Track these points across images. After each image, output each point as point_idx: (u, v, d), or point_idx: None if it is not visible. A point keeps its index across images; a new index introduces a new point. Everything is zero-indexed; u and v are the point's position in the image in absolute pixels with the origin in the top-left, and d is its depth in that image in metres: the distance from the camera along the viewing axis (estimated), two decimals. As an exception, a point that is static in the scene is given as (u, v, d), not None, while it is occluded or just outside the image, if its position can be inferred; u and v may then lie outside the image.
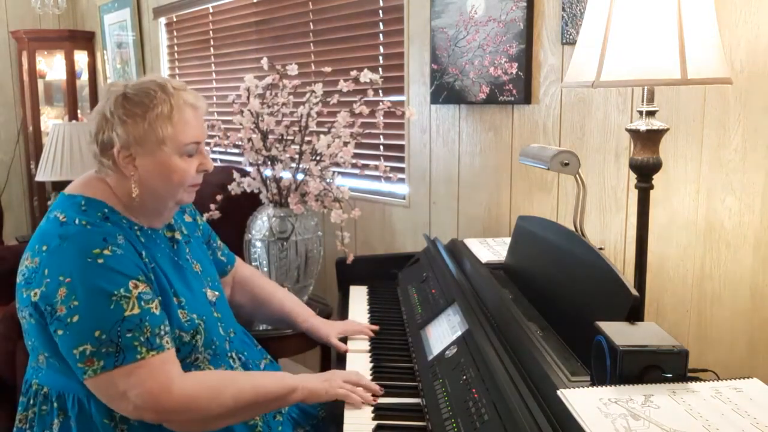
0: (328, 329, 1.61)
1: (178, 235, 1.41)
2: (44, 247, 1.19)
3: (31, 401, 1.28)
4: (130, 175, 1.26)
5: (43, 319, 1.17)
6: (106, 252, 1.17)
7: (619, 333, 0.98)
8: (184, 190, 1.31)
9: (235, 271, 1.66)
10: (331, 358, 1.71)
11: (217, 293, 1.44)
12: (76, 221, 1.21)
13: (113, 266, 1.17)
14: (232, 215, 2.25)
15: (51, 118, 5.04)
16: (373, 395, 1.28)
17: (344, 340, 1.60)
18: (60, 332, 1.15)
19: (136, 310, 1.16)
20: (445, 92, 2.25)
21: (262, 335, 2.10)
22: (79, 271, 1.15)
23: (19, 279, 1.24)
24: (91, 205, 1.25)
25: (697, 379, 0.98)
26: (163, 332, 1.19)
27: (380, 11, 2.58)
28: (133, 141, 1.24)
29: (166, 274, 1.30)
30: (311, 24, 2.91)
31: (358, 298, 1.90)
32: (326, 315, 2.34)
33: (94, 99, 5.07)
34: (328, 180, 2.17)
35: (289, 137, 2.20)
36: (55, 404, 1.24)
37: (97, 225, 1.22)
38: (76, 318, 1.13)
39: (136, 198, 1.27)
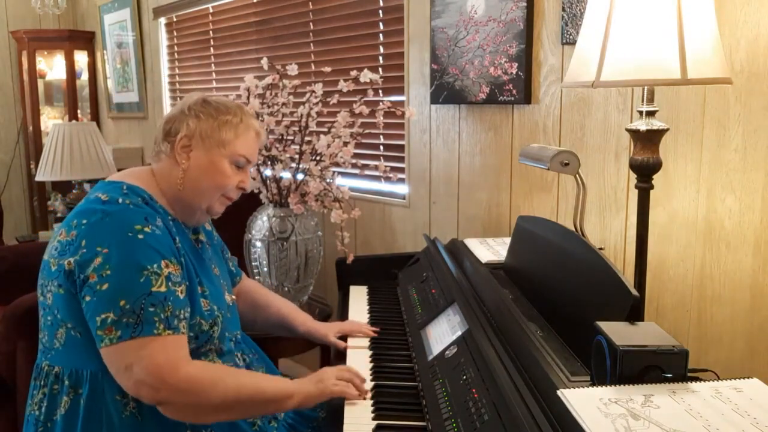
0: (326, 329, 1.64)
1: (202, 237, 1.47)
2: (84, 221, 1.23)
3: (42, 382, 1.29)
4: (181, 162, 1.35)
5: (74, 288, 1.20)
6: (146, 229, 1.22)
7: (619, 333, 0.98)
8: (218, 198, 1.39)
9: (241, 283, 1.70)
10: (331, 358, 1.71)
11: (233, 297, 1.50)
12: (119, 200, 1.26)
13: (151, 243, 1.22)
14: (232, 215, 2.24)
15: (51, 118, 5.05)
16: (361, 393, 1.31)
17: (344, 339, 1.60)
18: (88, 298, 1.18)
19: (163, 288, 1.20)
20: (445, 92, 2.25)
21: (263, 336, 2.10)
22: (118, 244, 1.19)
23: (47, 255, 1.27)
24: (132, 190, 1.31)
25: (697, 379, 0.98)
26: (182, 316, 1.23)
27: (380, 11, 2.58)
28: (198, 134, 1.35)
29: (194, 264, 1.34)
30: (311, 24, 2.91)
31: (358, 298, 1.90)
32: (326, 315, 2.34)
33: (94, 99, 5.07)
34: (328, 180, 2.17)
35: (289, 137, 2.20)
36: (67, 382, 1.25)
37: (139, 206, 1.28)
38: (105, 286, 1.17)
39: (180, 185, 1.35)
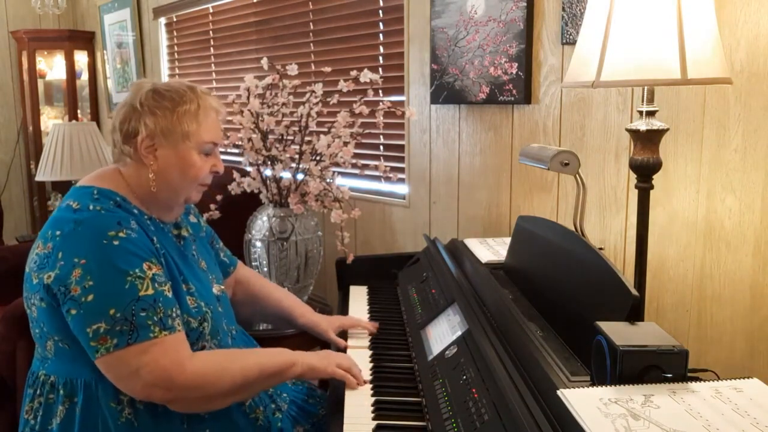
0: (326, 324, 1.63)
1: (184, 233, 1.45)
2: (58, 233, 1.21)
3: (38, 391, 1.29)
4: (149, 164, 1.31)
5: (55, 302, 1.19)
6: (121, 234, 1.20)
7: (619, 333, 0.98)
8: (195, 187, 1.37)
9: (237, 272, 1.69)
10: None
11: (222, 287, 1.48)
12: (90, 207, 1.24)
13: (128, 247, 1.20)
14: (232, 215, 2.25)
15: (51, 118, 5.05)
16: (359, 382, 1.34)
17: (344, 335, 1.61)
18: (73, 312, 1.16)
19: (150, 291, 1.19)
20: (445, 92, 2.25)
21: (263, 335, 2.10)
22: (95, 253, 1.18)
23: (28, 267, 1.26)
24: (103, 194, 1.28)
25: (697, 379, 0.98)
26: (174, 314, 1.22)
27: (380, 11, 2.58)
28: (159, 132, 1.30)
29: (176, 262, 1.33)
30: (311, 24, 2.91)
31: (358, 298, 1.90)
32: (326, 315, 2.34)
33: (94, 99, 5.07)
34: (328, 180, 2.17)
35: (289, 137, 2.20)
36: (62, 392, 1.25)
37: (111, 210, 1.25)
38: (90, 297, 1.15)
39: (153, 187, 1.31)
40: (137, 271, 1.19)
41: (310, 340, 1.72)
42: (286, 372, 1.31)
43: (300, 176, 2.17)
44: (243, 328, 1.56)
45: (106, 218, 1.22)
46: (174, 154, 1.32)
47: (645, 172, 1.42)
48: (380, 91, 2.54)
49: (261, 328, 2.16)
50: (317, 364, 1.33)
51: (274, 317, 1.69)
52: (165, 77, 4.19)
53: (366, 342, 1.57)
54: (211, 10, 3.61)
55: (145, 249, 1.23)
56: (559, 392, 0.93)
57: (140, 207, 1.33)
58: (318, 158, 2.15)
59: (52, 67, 5.08)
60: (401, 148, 2.54)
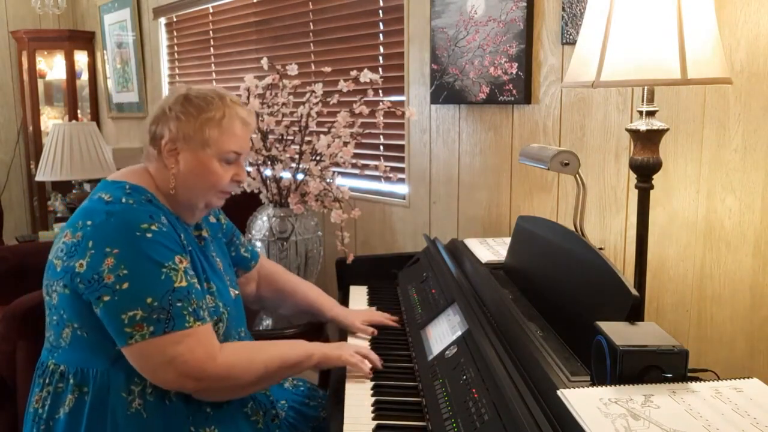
0: (353, 317, 1.66)
1: (204, 233, 1.47)
2: (89, 222, 1.23)
3: (47, 380, 1.29)
4: (170, 167, 1.34)
5: (81, 289, 1.19)
6: (153, 227, 1.23)
7: (619, 333, 0.98)
8: (215, 194, 1.38)
9: (260, 266, 1.71)
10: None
11: (237, 291, 1.50)
12: (123, 200, 1.27)
13: (161, 240, 1.22)
14: (232, 215, 2.25)
15: (51, 118, 5.05)
16: (374, 368, 1.38)
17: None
18: (107, 298, 1.17)
19: (184, 283, 1.22)
20: (445, 92, 2.25)
21: (264, 334, 2.11)
22: (128, 244, 1.20)
23: (52, 255, 1.27)
24: (135, 189, 1.31)
25: (697, 379, 0.98)
26: (204, 306, 1.26)
27: (380, 11, 2.58)
28: (180, 137, 1.32)
29: (200, 260, 1.36)
30: (311, 24, 2.91)
31: (358, 298, 1.90)
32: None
33: (94, 99, 5.07)
34: (328, 180, 2.17)
35: (289, 137, 2.20)
36: (72, 381, 1.26)
37: (143, 205, 1.28)
38: (126, 285, 1.17)
39: (172, 189, 1.34)
40: (170, 263, 1.21)
41: (312, 339, 1.72)
42: (304, 363, 1.34)
43: (300, 176, 2.18)
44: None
45: (138, 212, 1.25)
46: (194, 159, 1.33)
47: (645, 172, 1.42)
48: (380, 91, 2.54)
49: (261, 327, 2.16)
50: (332, 355, 1.37)
51: (301, 311, 1.74)
52: (165, 77, 4.19)
53: (366, 342, 1.57)
54: (211, 10, 3.61)
55: (175, 243, 1.26)
56: (559, 392, 0.93)
57: (167, 206, 1.35)
58: (318, 158, 2.16)
59: (52, 67, 5.08)
60: (401, 148, 2.54)
